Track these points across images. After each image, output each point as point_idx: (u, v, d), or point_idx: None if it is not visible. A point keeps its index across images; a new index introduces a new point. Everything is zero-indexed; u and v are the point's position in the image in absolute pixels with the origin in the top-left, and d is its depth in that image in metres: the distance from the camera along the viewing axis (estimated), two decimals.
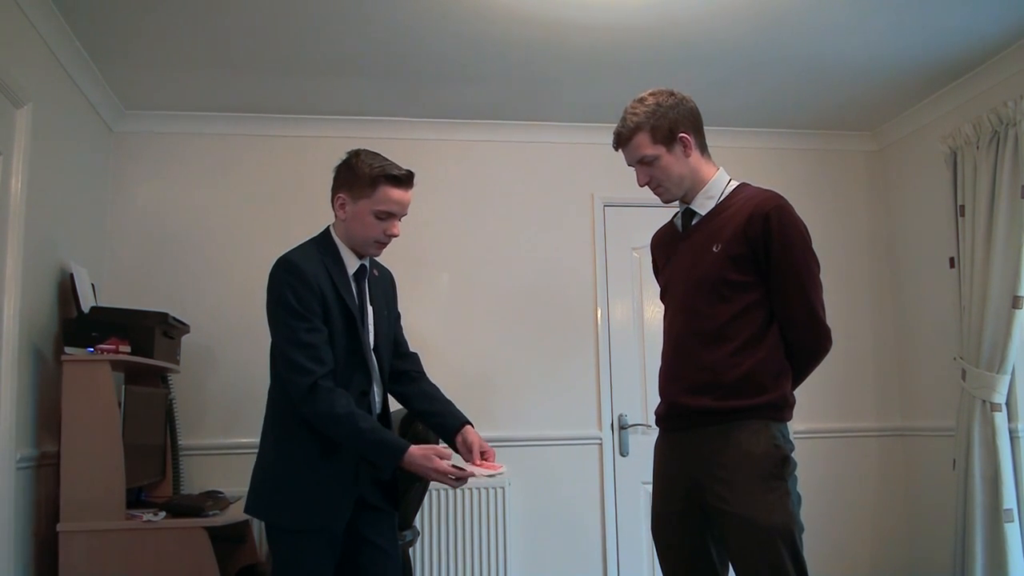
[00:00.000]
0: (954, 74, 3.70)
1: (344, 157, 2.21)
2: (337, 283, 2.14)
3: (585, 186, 4.26)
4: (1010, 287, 3.38)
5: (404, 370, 2.38)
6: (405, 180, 2.17)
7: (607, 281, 4.24)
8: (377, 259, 2.37)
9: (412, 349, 2.46)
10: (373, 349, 2.22)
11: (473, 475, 2.13)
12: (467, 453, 2.22)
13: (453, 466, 2.09)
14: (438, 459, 2.06)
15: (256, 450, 2.21)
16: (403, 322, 2.47)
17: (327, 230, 2.25)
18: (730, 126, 4.25)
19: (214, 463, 3.74)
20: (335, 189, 2.20)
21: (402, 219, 2.21)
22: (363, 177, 2.13)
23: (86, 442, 2.84)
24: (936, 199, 3.92)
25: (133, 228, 3.90)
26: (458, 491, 3.89)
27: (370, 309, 2.24)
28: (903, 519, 4.22)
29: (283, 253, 2.17)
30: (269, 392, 2.21)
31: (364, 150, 2.20)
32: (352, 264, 2.21)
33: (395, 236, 2.20)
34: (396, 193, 2.15)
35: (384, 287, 2.35)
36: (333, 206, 2.21)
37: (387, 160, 2.18)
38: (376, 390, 2.22)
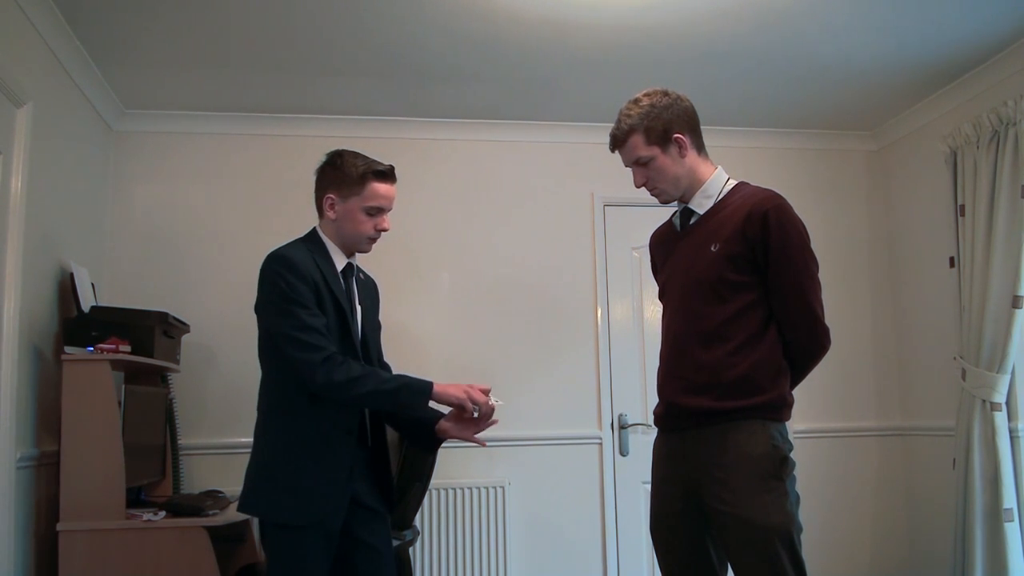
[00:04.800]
0: (954, 74, 3.70)
1: (325, 159, 2.26)
2: (327, 277, 2.17)
3: (585, 186, 4.27)
4: (1010, 287, 3.37)
5: None
6: (390, 175, 2.24)
7: (607, 281, 4.24)
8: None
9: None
10: (362, 347, 2.23)
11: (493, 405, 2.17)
12: (459, 416, 2.21)
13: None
14: (464, 391, 2.11)
15: None
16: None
17: (314, 230, 2.28)
18: (730, 126, 4.25)
19: (214, 463, 3.74)
20: (322, 190, 2.24)
21: (393, 215, 2.24)
22: (351, 176, 2.19)
23: (86, 441, 2.84)
24: (936, 199, 3.91)
25: (133, 228, 3.90)
26: (458, 491, 3.90)
27: (359, 309, 2.26)
28: (903, 519, 4.22)
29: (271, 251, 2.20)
30: (260, 390, 2.21)
31: (345, 150, 2.25)
32: (340, 262, 2.25)
33: (386, 230, 2.25)
34: (383, 188, 2.21)
35: (370, 290, 2.38)
36: (321, 207, 2.25)
37: (369, 157, 2.23)
38: None
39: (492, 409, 2.17)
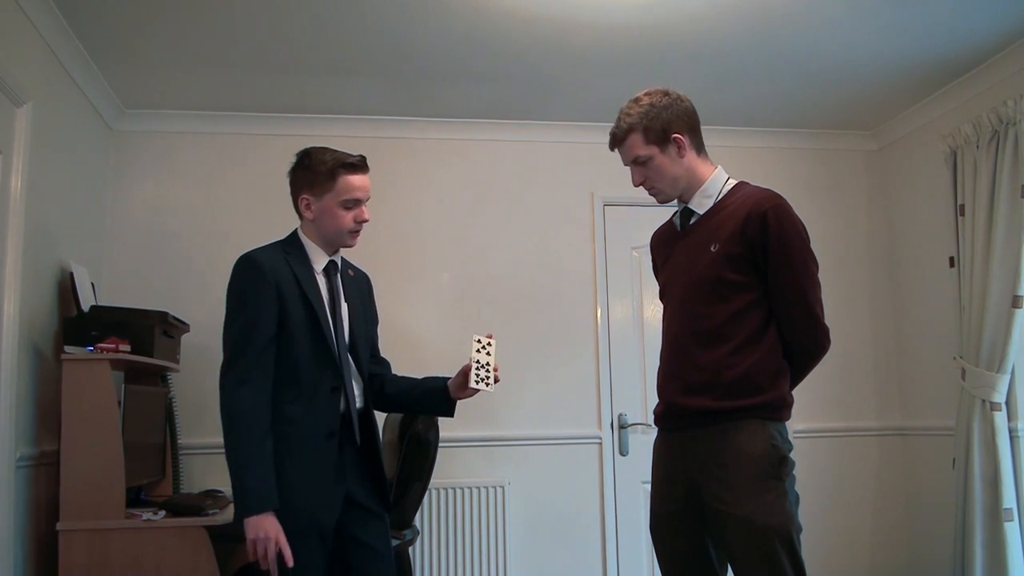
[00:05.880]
0: (954, 74, 3.70)
1: (294, 160, 2.25)
2: (301, 279, 2.15)
3: (585, 186, 4.27)
4: (1010, 287, 3.37)
5: (377, 373, 2.38)
6: (361, 165, 2.21)
7: (607, 281, 4.24)
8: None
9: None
10: (350, 345, 2.22)
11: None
12: (464, 376, 2.22)
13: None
14: (273, 542, 1.97)
15: None
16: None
17: (295, 231, 2.28)
18: (730, 126, 4.25)
19: (214, 462, 3.73)
20: (296, 192, 2.24)
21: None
22: (321, 173, 2.18)
23: (86, 441, 2.84)
24: (936, 199, 3.91)
25: (133, 227, 3.91)
26: (458, 491, 3.90)
27: (344, 306, 2.24)
28: (903, 519, 4.22)
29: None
30: None
31: (313, 148, 2.23)
32: (320, 261, 2.23)
33: (366, 221, 2.23)
34: (356, 180, 2.19)
35: (359, 286, 2.36)
36: (298, 209, 2.24)
37: (338, 151, 2.21)
38: (355, 386, 2.21)
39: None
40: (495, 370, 2.21)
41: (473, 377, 2.18)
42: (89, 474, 2.82)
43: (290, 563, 1.99)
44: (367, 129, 4.06)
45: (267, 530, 1.98)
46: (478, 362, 2.19)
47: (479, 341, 2.22)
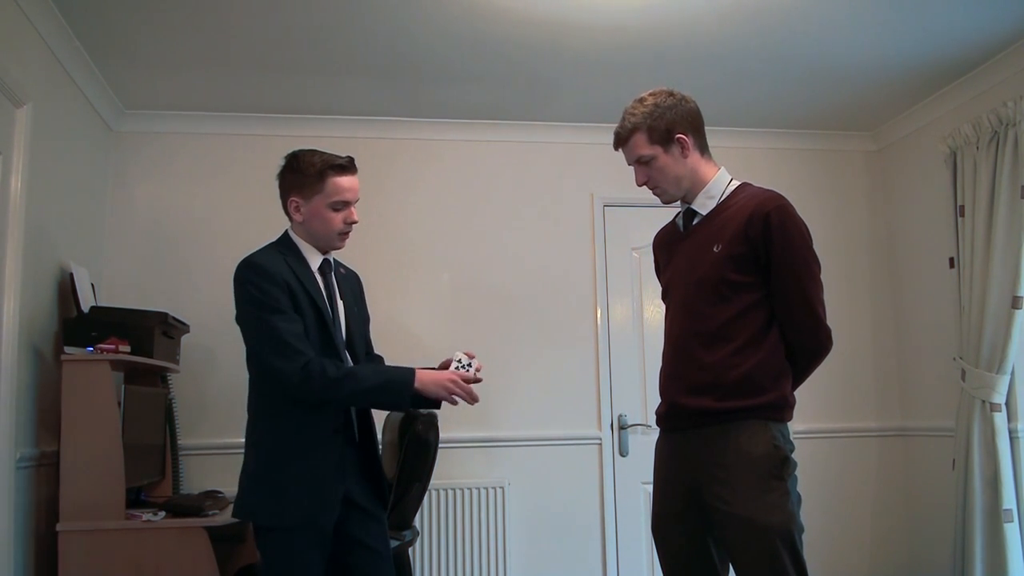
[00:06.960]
0: (954, 74, 3.70)
1: (283, 163, 2.25)
2: (302, 278, 2.16)
3: (585, 186, 4.27)
4: (1010, 287, 3.37)
5: None
6: (349, 167, 2.21)
7: (607, 281, 4.24)
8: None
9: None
10: (347, 342, 2.23)
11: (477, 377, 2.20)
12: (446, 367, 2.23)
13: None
14: (451, 381, 2.11)
15: None
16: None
17: (286, 233, 2.28)
18: (730, 126, 4.24)
19: (214, 463, 3.74)
20: (285, 195, 2.23)
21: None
22: (310, 175, 2.17)
23: (86, 442, 2.84)
24: (936, 199, 3.92)
25: (133, 228, 3.90)
26: (458, 491, 3.89)
27: (340, 304, 2.26)
28: (903, 519, 4.22)
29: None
30: (248, 395, 2.21)
31: (301, 150, 2.23)
32: (315, 260, 2.24)
33: (355, 223, 2.24)
34: (345, 181, 2.19)
35: (352, 285, 2.37)
36: (287, 211, 2.24)
37: (326, 152, 2.22)
38: None
39: (477, 381, 2.21)
40: (477, 370, 2.21)
41: (454, 365, 2.19)
42: (89, 475, 2.82)
43: (479, 377, 2.15)
44: (366, 130, 4.06)
45: (434, 378, 2.10)
46: (459, 361, 2.22)
47: (459, 361, 2.22)
